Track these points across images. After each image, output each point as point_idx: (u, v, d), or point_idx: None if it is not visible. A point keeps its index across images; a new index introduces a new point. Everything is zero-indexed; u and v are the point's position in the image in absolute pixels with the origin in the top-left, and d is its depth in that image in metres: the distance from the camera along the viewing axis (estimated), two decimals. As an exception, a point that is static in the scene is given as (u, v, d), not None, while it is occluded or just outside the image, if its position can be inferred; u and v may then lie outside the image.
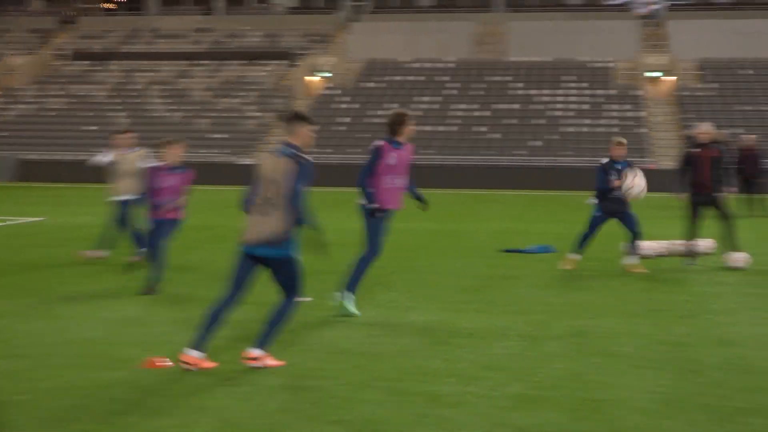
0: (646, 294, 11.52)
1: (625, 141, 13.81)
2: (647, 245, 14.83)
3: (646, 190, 13.28)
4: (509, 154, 42.30)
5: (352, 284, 9.76)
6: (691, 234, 14.22)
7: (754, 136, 24.88)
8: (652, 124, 45.94)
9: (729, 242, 14.02)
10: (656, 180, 37.90)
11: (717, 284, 12.38)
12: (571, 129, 44.83)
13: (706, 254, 14.81)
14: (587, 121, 45.18)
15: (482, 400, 6.67)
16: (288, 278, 7.47)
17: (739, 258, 13.87)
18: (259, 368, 7.40)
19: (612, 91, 48.23)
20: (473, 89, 49.04)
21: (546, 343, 8.55)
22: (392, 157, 9.68)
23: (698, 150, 14.20)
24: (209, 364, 7.46)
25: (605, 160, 13.58)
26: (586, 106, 46.90)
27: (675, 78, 50.28)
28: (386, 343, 8.49)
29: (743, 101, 46.44)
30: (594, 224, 13.60)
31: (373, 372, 7.35)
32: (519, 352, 8.16)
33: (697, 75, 50.08)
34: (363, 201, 9.72)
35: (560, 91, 48.59)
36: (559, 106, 47.11)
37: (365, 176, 9.68)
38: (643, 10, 58.78)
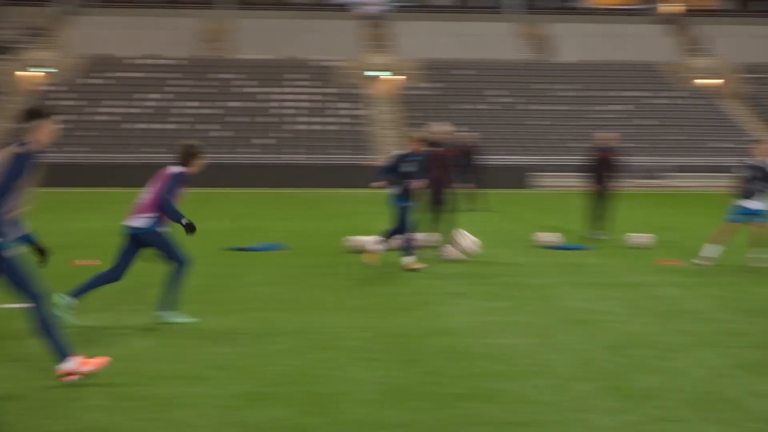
0: (370, 288, 11.92)
1: (418, 135, 14.18)
2: (369, 240, 15.37)
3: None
4: (240, 152, 42.29)
5: (169, 302, 9.46)
6: (437, 227, 14.99)
7: (475, 134, 26.20)
8: (377, 122, 47.32)
9: (449, 235, 14.86)
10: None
11: (437, 276, 12.99)
12: (301, 127, 45.40)
13: (428, 247, 15.53)
14: (316, 119, 45.93)
15: (212, 400, 6.69)
16: (12, 278, 6.94)
17: (458, 250, 14.67)
18: None
19: (337, 90, 49.24)
20: (201, 87, 48.60)
21: (274, 339, 8.68)
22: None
23: (434, 149, 14.99)
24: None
25: (400, 152, 13.92)
26: (313, 104, 47.66)
27: (398, 77, 52.05)
28: (113, 346, 8.30)
29: (462, 100, 48.76)
30: (402, 217, 13.76)
31: (97, 377, 7.16)
32: (248, 350, 8.23)
33: (420, 75, 52.06)
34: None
35: (288, 89, 49.08)
36: (288, 104, 47.59)
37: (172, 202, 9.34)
38: (366, 10, 60.32)
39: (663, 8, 62.13)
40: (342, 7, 60.08)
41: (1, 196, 6.90)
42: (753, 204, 14.35)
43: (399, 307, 10.54)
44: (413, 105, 47.99)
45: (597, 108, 48.86)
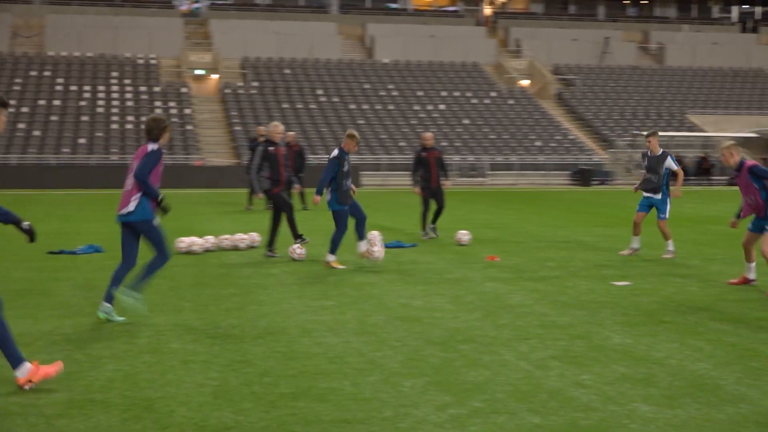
0: (199, 289, 11.70)
1: (357, 134, 14.31)
2: (197, 241, 15.15)
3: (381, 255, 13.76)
4: (52, 152, 40.81)
5: (135, 284, 9.60)
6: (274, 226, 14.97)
7: (293, 133, 26.18)
8: (199, 121, 46.64)
9: (271, 235, 14.82)
10: (204, 177, 38.69)
11: (263, 276, 12.89)
12: (115, 126, 44.21)
13: (252, 247, 15.41)
14: (131, 118, 44.82)
15: (29, 409, 6.41)
16: None
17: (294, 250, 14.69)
18: None
19: (157, 88, 48.25)
20: (10, 84, 46.64)
21: (94, 345, 8.39)
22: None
23: (273, 148, 14.92)
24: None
25: (336, 152, 13.92)
26: (130, 103, 46.50)
27: (219, 76, 51.47)
28: None
29: (282, 99, 48.66)
30: (342, 220, 13.87)
31: None
32: (66, 357, 7.92)
33: (240, 73, 51.66)
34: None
35: (103, 88, 47.74)
36: (102, 102, 46.27)
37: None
38: (184, 7, 59.40)
39: (478, 10, 63.87)
40: (165, 4, 58.94)
41: None
42: (656, 195, 15.37)
43: (230, 307, 10.39)
44: (238, 104, 47.57)
45: (421, 108, 49.74)
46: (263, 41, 54.09)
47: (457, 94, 51.73)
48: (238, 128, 44.54)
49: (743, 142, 49.33)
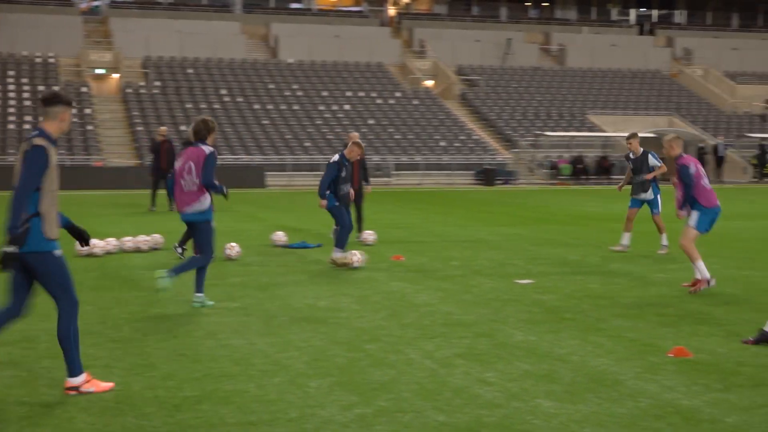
0: (100, 292, 11.49)
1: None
2: (98, 243, 14.88)
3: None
4: (-54, 152, 39.64)
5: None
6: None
7: (164, 127, 25.69)
8: (99, 121, 45.80)
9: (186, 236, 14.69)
10: (106, 178, 37.99)
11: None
12: (12, 126, 43.14)
13: (154, 249, 15.20)
14: (29, 118, 43.76)
15: None
16: (43, 277, 6.69)
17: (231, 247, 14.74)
18: None
19: (56, 88, 47.21)
20: None
21: (-8, 351, 8.18)
22: None
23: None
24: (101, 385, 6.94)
25: (337, 157, 14.20)
26: (28, 103, 45.44)
27: (120, 76, 50.64)
28: None
29: (185, 99, 48.10)
30: (342, 215, 14.19)
31: None
32: (-38, 364, 7.71)
33: (142, 73, 50.90)
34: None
35: (0, 87, 46.56)
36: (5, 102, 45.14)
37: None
38: (84, 5, 58.32)
39: (383, 11, 64.12)
40: (64, 2, 57.73)
41: (20, 194, 6.50)
42: (646, 194, 16.02)
43: (132, 310, 10.23)
44: (140, 104, 46.85)
45: (326, 108, 49.68)
46: (165, 40, 53.39)
47: (361, 94, 51.84)
48: (140, 128, 43.87)
49: (642, 142, 50.51)
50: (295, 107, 49.16)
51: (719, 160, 47.77)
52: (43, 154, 6.55)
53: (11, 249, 6.42)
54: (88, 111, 45.25)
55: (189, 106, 46.94)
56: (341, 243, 14.10)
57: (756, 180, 47.54)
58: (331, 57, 55.94)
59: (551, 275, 13.19)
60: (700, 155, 48.72)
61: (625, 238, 16.24)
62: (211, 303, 10.58)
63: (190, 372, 7.45)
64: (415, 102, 52.22)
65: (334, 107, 49.89)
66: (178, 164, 10.60)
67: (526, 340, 8.71)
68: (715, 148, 48.11)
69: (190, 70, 51.37)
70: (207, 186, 10.38)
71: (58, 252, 6.69)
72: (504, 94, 55.65)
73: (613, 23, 69.51)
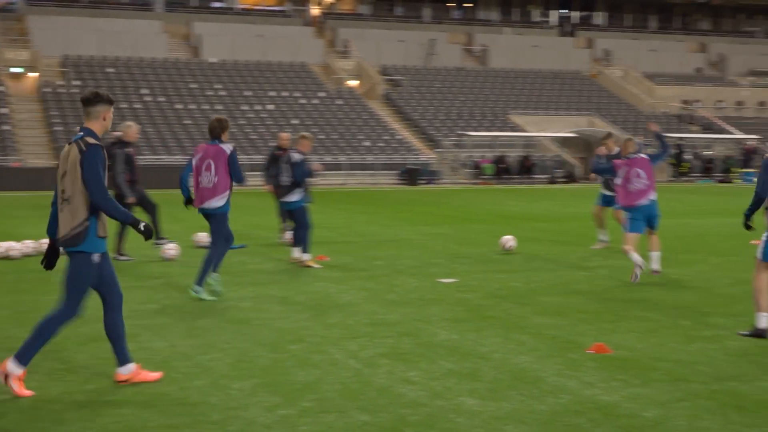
0: (15, 296, 11.26)
1: (309, 135, 14.48)
2: (15, 246, 14.60)
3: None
4: None
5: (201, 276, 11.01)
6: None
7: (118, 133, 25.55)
8: (17, 121, 44.89)
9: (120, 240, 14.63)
10: (23, 179, 37.23)
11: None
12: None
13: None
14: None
15: None
16: (67, 278, 6.92)
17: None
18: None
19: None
20: None
21: None
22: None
23: (131, 149, 14.76)
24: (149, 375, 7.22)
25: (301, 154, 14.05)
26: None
27: (38, 75, 49.71)
28: None
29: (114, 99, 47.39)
30: (308, 215, 14.08)
31: None
32: None
33: (61, 72, 50.03)
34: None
35: None
36: None
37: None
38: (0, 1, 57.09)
39: (306, 10, 63.96)
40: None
41: (92, 191, 6.73)
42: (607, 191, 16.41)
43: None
44: (59, 104, 46.01)
45: (250, 108, 49.39)
46: (85, 39, 52.53)
47: (285, 94, 51.64)
48: (58, 128, 43.10)
49: (563, 142, 51.25)
50: (218, 107, 48.78)
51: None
52: (101, 152, 6.80)
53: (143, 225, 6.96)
54: (4, 111, 44.31)
55: (119, 106, 46.31)
56: (306, 246, 14.03)
57: (674, 179, 48.55)
58: (254, 57, 55.63)
59: (474, 274, 13.29)
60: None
61: (602, 234, 16.81)
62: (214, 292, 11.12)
63: (110, 376, 7.34)
64: (339, 102, 52.22)
65: (258, 107, 49.62)
66: (195, 160, 11.19)
67: (449, 339, 8.77)
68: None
69: (110, 70, 50.64)
70: (241, 183, 11.32)
71: (96, 256, 6.90)
72: (427, 94, 55.94)
73: (534, 24, 70.36)
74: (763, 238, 9.15)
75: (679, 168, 49.10)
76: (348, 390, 6.95)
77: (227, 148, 11.06)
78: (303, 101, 51.34)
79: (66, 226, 6.77)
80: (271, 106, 49.83)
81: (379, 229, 20.51)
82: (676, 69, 65.81)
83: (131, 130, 15.05)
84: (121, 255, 14.61)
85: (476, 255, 15.59)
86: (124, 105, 46.72)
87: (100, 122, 6.95)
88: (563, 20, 71.83)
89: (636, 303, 10.85)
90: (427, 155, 47.61)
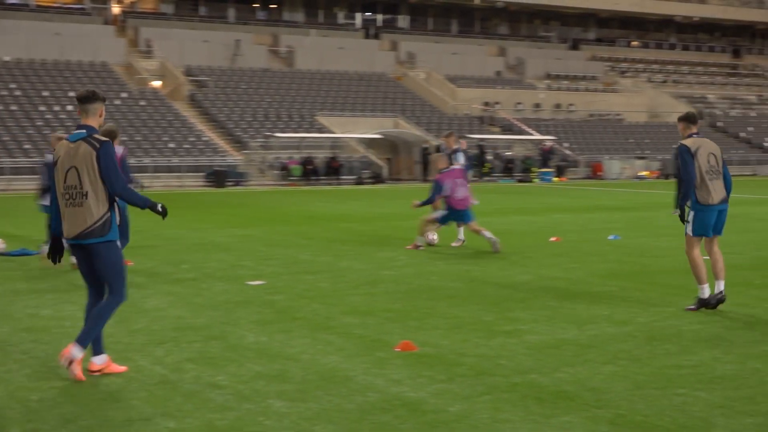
0: None
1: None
2: None
3: None
4: None
5: None
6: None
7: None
8: None
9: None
10: None
11: None
12: None
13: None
14: None
15: None
16: (109, 268, 7.28)
17: None
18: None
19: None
20: None
21: None
22: None
23: None
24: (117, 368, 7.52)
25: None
26: None
27: None
28: None
29: None
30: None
31: None
32: None
33: None
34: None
35: None
36: None
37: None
38: None
39: (106, 9, 62.26)
40: None
41: (113, 185, 7.20)
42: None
43: None
44: None
45: (48, 108, 47.58)
46: None
47: (84, 94, 50.09)
48: None
49: (370, 143, 51.95)
50: (13, 107, 46.80)
51: (442, 160, 49.85)
52: (113, 147, 7.31)
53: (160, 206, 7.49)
54: None
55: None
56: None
57: (477, 179, 50.04)
58: (51, 55, 53.65)
59: (283, 275, 13.29)
60: (425, 155, 50.72)
61: (459, 233, 17.19)
62: None
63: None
64: (142, 103, 51.09)
65: (56, 108, 47.89)
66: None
67: (257, 342, 8.73)
68: (438, 149, 50.18)
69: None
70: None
71: (118, 242, 7.40)
72: (234, 96, 55.50)
73: (340, 27, 70.97)
74: (691, 215, 10.36)
75: (482, 168, 50.66)
76: (153, 397, 6.81)
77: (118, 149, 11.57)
78: (108, 102, 49.94)
79: (87, 220, 7.17)
80: (70, 107, 48.16)
81: (186, 232, 20.18)
82: (477, 72, 67.85)
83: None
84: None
85: (284, 256, 15.58)
86: None
87: (97, 118, 7.38)
88: (368, 23, 72.78)
89: (440, 301, 11.11)
90: (234, 157, 47.22)
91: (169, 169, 44.52)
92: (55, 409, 6.52)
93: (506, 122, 60.25)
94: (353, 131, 52.72)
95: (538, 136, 57.13)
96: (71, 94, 49.59)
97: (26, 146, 42.93)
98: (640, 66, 78.08)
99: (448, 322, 9.70)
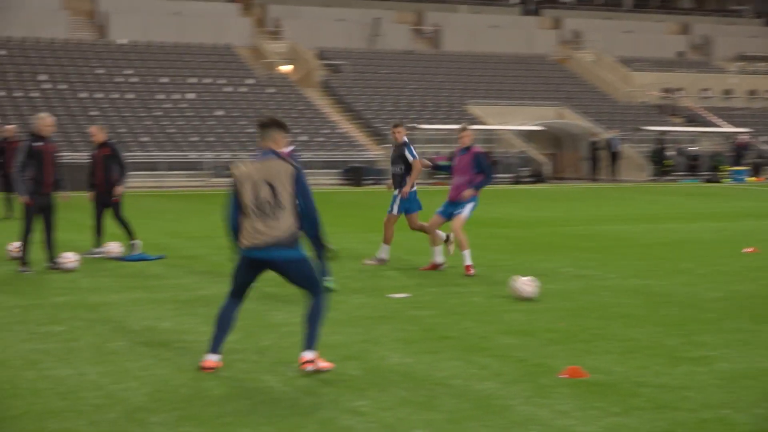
0: None
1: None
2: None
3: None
4: None
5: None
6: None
7: (12, 126, 25.32)
8: None
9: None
10: None
11: (-24, 299, 12.38)
12: None
13: None
14: None
15: None
16: (306, 277, 8.51)
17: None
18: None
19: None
20: None
21: None
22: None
23: (43, 143, 14.74)
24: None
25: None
26: None
27: None
28: None
29: (4, 86, 46.81)
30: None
31: None
32: None
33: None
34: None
35: None
36: None
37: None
38: None
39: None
40: None
41: (308, 202, 8.65)
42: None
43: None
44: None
45: (167, 96, 49.00)
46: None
47: (208, 81, 51.36)
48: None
49: (529, 136, 51.63)
50: (129, 96, 48.40)
51: (614, 156, 49.14)
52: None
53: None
54: None
55: (2, 94, 45.71)
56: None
57: (655, 178, 49.11)
58: (170, 37, 55.27)
59: (429, 287, 13.35)
60: (593, 150, 50.08)
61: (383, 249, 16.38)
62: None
63: (7, 409, 7.26)
64: (271, 90, 52.10)
65: (176, 96, 49.30)
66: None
67: (401, 363, 8.78)
68: (609, 143, 49.53)
69: (2, 52, 50.03)
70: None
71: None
72: (372, 82, 56.02)
73: (493, 1, 70.79)
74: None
75: (662, 166, 49.69)
76: (285, 423, 6.93)
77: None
78: (229, 89, 51.10)
79: (283, 229, 8.37)
80: (191, 95, 49.53)
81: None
82: (655, 53, 66.57)
83: (43, 122, 14.98)
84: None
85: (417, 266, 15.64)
86: (18, 93, 46.17)
87: (278, 144, 8.68)
88: (527, -4, 72.36)
89: (613, 320, 10.96)
90: (373, 151, 47.65)
91: (302, 165, 45.25)
92: (177, 430, 6.73)
93: (690, 112, 58.95)
94: (510, 122, 52.49)
95: (729, 129, 55.70)
96: (192, 80, 50.99)
97: (143, 139, 44.37)
98: None
99: (622, 346, 9.57)
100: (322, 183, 44.26)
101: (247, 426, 6.87)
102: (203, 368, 8.45)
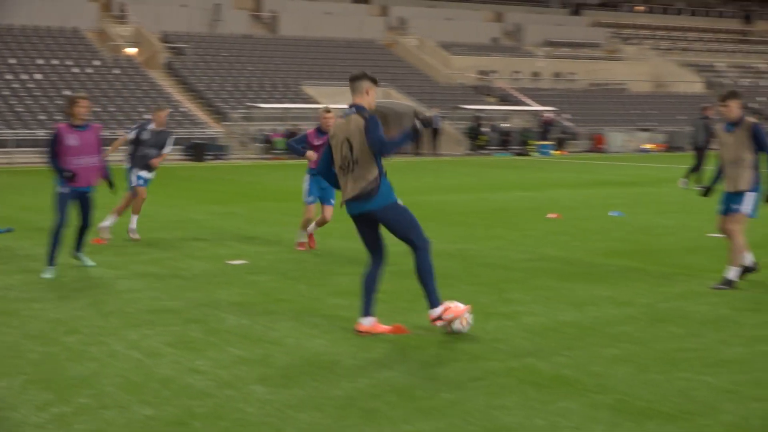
0: None
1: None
2: None
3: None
4: None
5: (51, 256, 11.48)
6: None
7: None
8: None
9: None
10: None
11: None
12: None
13: None
14: None
15: None
16: (400, 223, 8.36)
17: None
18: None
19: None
20: None
21: None
22: (73, 138, 11.82)
23: None
24: (383, 328, 8.35)
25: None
26: None
27: None
28: None
29: None
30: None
31: None
32: None
33: None
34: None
35: None
36: None
37: (51, 157, 11.87)
38: None
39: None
40: None
41: (384, 150, 8.26)
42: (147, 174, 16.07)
43: None
44: None
45: (15, 77, 47.30)
46: None
47: (55, 62, 49.76)
48: None
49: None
50: (-20, 76, 46.51)
51: (434, 132, 49.81)
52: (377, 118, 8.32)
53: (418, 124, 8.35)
54: None
55: None
56: None
57: (471, 152, 50.02)
58: (19, 20, 53.30)
59: (266, 255, 13.30)
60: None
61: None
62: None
63: None
64: (117, 71, 50.84)
65: (24, 76, 47.62)
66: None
67: (239, 324, 8.74)
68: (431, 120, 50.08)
69: None
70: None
71: (400, 201, 8.43)
72: (213, 64, 55.26)
73: (326, -10, 70.61)
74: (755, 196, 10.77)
75: (476, 141, 50.63)
76: (129, 383, 6.83)
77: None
78: (76, 70, 49.62)
79: (365, 183, 8.27)
80: (38, 76, 47.90)
81: (161, 209, 20.12)
82: (473, 39, 67.65)
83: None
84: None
85: (267, 235, 15.58)
86: None
87: (365, 96, 8.44)
88: (356, -14, 72.45)
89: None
90: (214, 129, 47.08)
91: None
92: (24, 395, 6.52)
93: (503, 92, 60.20)
94: (341, 102, 52.53)
95: (536, 107, 57.11)
96: (40, 61, 49.32)
97: (8, 118, 42.74)
98: (645, 32, 78.02)
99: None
100: (168, 158, 43.52)
101: (93, 387, 6.72)
102: (358, 332, 8.34)
